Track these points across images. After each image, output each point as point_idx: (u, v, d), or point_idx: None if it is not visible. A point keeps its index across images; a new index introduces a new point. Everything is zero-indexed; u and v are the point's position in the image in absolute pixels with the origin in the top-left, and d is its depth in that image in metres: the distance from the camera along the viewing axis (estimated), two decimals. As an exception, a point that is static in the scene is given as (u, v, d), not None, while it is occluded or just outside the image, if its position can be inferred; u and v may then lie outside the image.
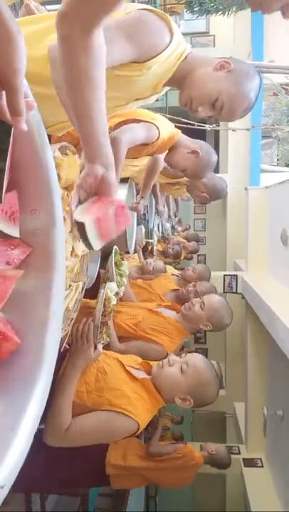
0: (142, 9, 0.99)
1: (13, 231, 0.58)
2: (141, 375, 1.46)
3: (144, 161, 2.09)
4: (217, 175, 2.88)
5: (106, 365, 1.43)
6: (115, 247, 1.71)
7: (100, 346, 1.41)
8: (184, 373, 1.44)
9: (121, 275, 1.70)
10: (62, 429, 1.22)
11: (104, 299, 1.44)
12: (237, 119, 1.26)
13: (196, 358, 1.49)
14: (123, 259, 1.80)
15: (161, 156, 2.01)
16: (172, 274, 3.32)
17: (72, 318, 1.14)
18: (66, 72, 0.74)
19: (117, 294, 1.57)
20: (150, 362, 1.56)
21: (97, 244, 0.65)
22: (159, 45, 1.02)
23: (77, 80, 0.73)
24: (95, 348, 1.37)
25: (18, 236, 0.59)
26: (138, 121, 1.58)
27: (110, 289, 1.51)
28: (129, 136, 1.45)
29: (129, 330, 1.94)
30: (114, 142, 1.41)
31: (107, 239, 0.67)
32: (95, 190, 0.73)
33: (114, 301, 1.51)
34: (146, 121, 1.60)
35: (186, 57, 1.14)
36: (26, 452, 0.50)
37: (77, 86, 0.73)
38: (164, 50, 1.03)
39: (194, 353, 1.54)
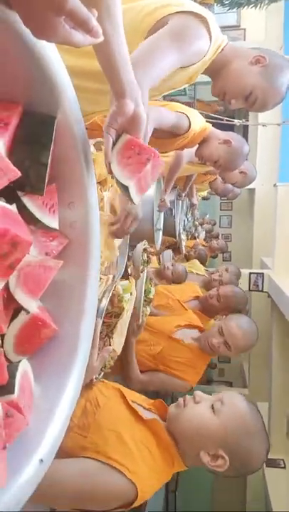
0: (182, 12, 1.00)
1: (53, 222, 0.61)
2: (150, 416, 1.04)
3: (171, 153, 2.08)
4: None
5: (100, 395, 1.03)
6: (146, 271, 1.57)
7: (105, 351, 1.02)
8: (217, 413, 0.96)
9: (148, 303, 1.57)
10: None
11: (112, 295, 1.09)
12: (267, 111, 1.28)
13: (236, 396, 1.02)
14: (149, 257, 1.74)
15: (185, 153, 2.00)
16: (197, 274, 3.22)
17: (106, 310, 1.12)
18: None
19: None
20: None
21: (138, 199, 0.70)
22: (201, 53, 1.06)
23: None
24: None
25: (57, 228, 0.62)
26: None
27: (124, 286, 1.22)
28: (155, 115, 1.38)
29: (147, 363, 1.77)
30: None
31: (146, 191, 0.72)
32: (126, 127, 0.70)
33: (126, 304, 1.16)
34: (178, 112, 1.60)
35: (222, 49, 1.15)
36: (64, 432, 0.53)
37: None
38: (205, 55, 1.07)
39: (232, 392, 1.07)
